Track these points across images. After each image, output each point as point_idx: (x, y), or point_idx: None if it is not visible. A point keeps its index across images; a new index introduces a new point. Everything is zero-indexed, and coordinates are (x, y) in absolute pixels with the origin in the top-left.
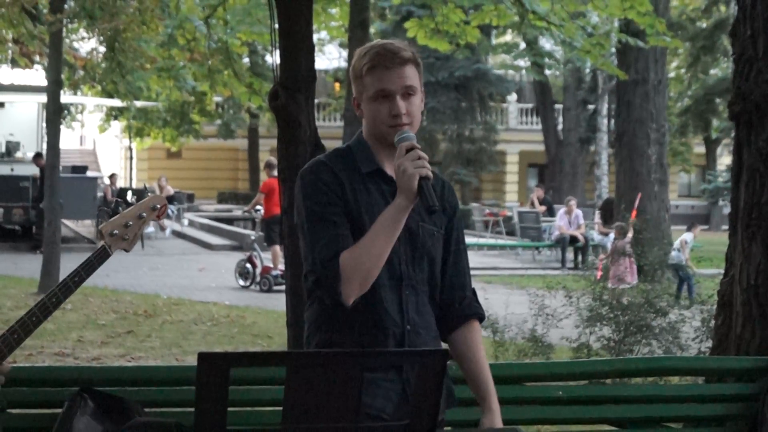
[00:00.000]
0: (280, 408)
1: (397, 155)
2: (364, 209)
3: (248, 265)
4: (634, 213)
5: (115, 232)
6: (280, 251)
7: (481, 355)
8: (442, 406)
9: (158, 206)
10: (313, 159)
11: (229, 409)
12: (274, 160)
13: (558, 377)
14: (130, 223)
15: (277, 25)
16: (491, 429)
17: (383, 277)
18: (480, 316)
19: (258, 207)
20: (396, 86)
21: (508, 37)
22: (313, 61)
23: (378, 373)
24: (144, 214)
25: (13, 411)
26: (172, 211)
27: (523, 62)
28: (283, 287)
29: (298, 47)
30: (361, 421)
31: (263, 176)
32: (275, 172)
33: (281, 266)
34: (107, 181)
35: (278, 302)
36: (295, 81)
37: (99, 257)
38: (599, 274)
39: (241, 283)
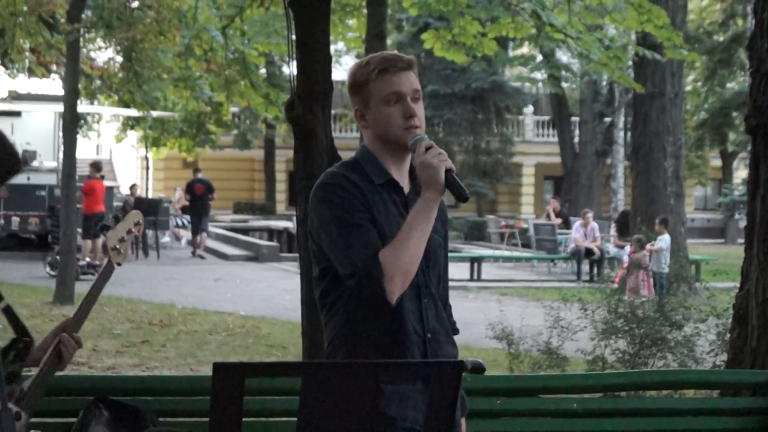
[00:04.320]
0: (295, 419)
1: (416, 154)
2: (384, 218)
3: (58, 257)
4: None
5: (117, 246)
6: (92, 245)
7: None
8: (458, 415)
9: (139, 221)
10: (325, 172)
11: (244, 419)
12: (99, 160)
13: (573, 390)
14: (124, 237)
15: (294, 36)
16: None
17: None
18: (456, 332)
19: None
20: (407, 88)
21: (525, 49)
22: (330, 72)
23: (405, 385)
24: (132, 229)
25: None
26: (188, 221)
27: (539, 75)
28: (89, 277)
29: (315, 58)
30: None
31: (279, 187)
32: (98, 174)
33: (89, 258)
34: (127, 192)
35: (294, 313)
36: (312, 92)
37: (107, 273)
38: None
39: (50, 272)
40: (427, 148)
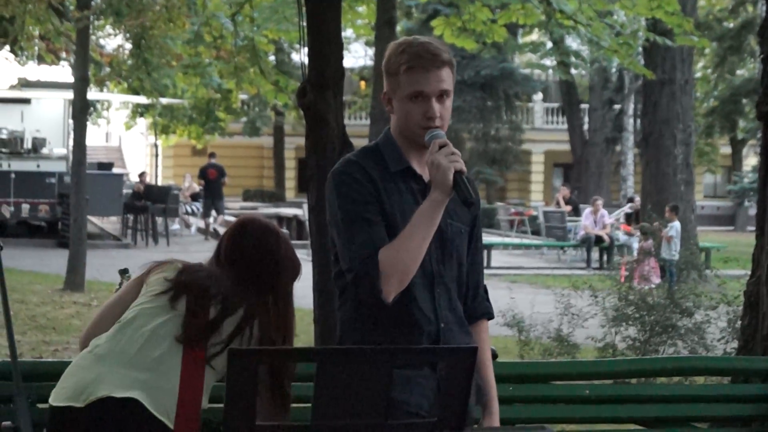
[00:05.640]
0: (309, 404)
1: (429, 151)
2: (397, 208)
3: None
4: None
5: None
6: None
7: (488, 356)
8: (472, 403)
9: None
10: (343, 158)
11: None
12: None
13: (585, 376)
14: None
15: (305, 23)
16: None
17: (416, 275)
18: (490, 316)
19: None
20: (432, 89)
21: (534, 36)
22: (341, 59)
23: (413, 370)
24: None
25: (42, 406)
26: (197, 209)
27: (549, 61)
28: None
29: (326, 45)
30: (396, 417)
31: (288, 174)
32: None
33: None
34: (137, 179)
35: (302, 300)
36: (324, 78)
37: None
38: (623, 275)
39: None
40: (441, 147)
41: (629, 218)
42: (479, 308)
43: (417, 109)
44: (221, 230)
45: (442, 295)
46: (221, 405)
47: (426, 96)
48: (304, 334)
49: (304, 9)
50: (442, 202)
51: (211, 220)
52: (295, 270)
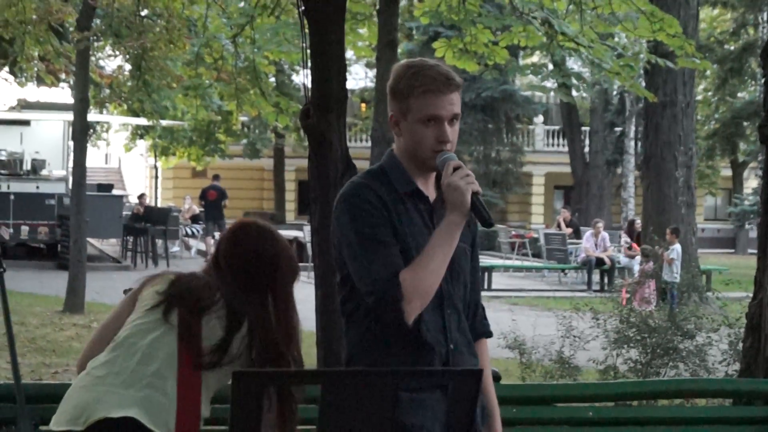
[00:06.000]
0: (313, 427)
1: (444, 174)
2: (408, 229)
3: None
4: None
5: None
6: None
7: (488, 374)
8: (478, 423)
9: None
10: (350, 181)
11: None
12: None
13: (587, 398)
14: None
15: (307, 44)
16: None
17: None
18: (489, 334)
19: None
20: (446, 113)
21: (536, 58)
22: (344, 80)
23: (425, 394)
24: None
25: (44, 428)
26: (197, 231)
27: (550, 83)
28: None
29: (329, 66)
30: None
31: (289, 196)
32: None
33: None
34: (136, 201)
35: (304, 323)
36: (327, 100)
37: None
38: (624, 297)
39: None
40: (455, 169)
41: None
42: (479, 327)
43: (430, 132)
44: None
45: (452, 316)
46: (222, 427)
47: (440, 120)
48: (307, 357)
49: (306, 30)
50: (459, 224)
51: (211, 241)
52: (294, 270)
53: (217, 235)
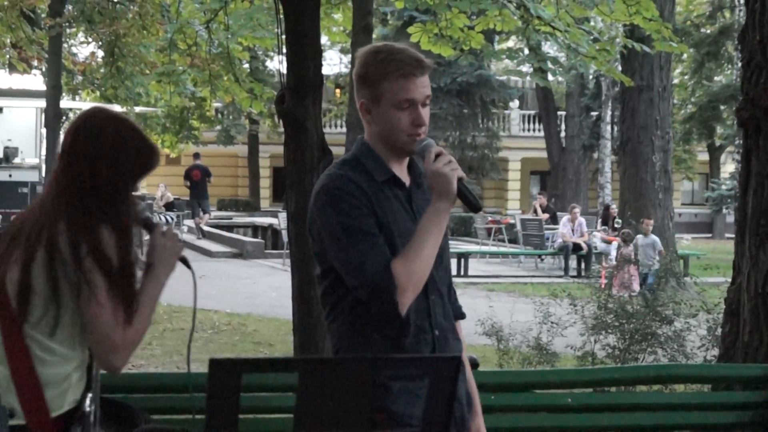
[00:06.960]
0: (292, 415)
1: (426, 161)
2: (389, 217)
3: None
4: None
5: None
6: None
7: (465, 356)
8: (466, 412)
9: None
10: (327, 173)
11: (240, 416)
12: None
13: (565, 385)
14: None
15: (282, 30)
16: None
17: None
18: (463, 316)
19: None
20: (420, 95)
21: (511, 42)
22: (320, 66)
23: (414, 382)
24: None
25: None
26: (172, 218)
27: (526, 68)
28: None
29: (305, 51)
30: (382, 427)
31: (263, 183)
32: None
33: None
34: None
35: (279, 310)
36: (303, 85)
37: None
38: (603, 282)
39: None
40: (437, 155)
41: (604, 224)
42: (453, 309)
43: (405, 116)
44: (207, 230)
45: (437, 302)
46: (199, 416)
47: (414, 103)
48: (282, 344)
49: (281, 15)
50: (447, 210)
51: (201, 221)
52: (143, 158)
53: (203, 215)
